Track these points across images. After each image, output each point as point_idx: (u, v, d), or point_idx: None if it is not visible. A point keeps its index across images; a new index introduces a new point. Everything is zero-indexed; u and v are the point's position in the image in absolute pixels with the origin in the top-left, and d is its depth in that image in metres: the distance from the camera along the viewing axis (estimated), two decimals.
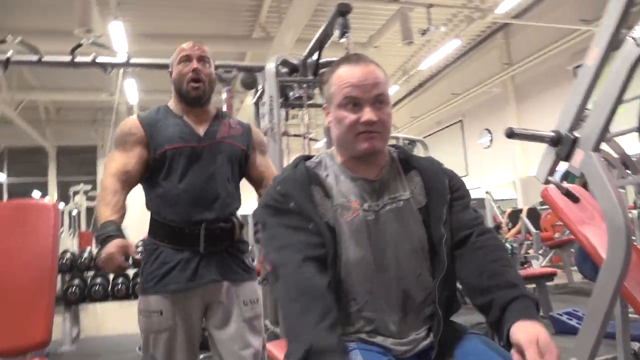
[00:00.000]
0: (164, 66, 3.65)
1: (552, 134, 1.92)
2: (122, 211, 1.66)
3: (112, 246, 1.50)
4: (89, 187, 10.66)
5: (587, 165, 1.78)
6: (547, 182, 2.00)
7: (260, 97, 3.86)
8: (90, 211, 11.34)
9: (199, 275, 1.75)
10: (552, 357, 0.98)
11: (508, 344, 1.04)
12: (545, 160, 1.96)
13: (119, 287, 4.72)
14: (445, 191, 1.29)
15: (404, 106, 14.35)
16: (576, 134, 1.85)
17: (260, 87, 3.84)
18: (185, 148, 1.80)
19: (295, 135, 4.74)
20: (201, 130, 1.86)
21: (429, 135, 14.49)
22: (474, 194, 11.32)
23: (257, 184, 2.00)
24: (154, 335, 1.73)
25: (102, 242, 1.53)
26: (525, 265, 7.27)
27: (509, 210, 8.95)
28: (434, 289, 1.20)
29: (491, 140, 13.05)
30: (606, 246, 2.24)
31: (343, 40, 3.11)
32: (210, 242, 1.78)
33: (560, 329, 3.94)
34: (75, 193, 10.51)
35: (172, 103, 1.92)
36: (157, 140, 1.79)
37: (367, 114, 1.18)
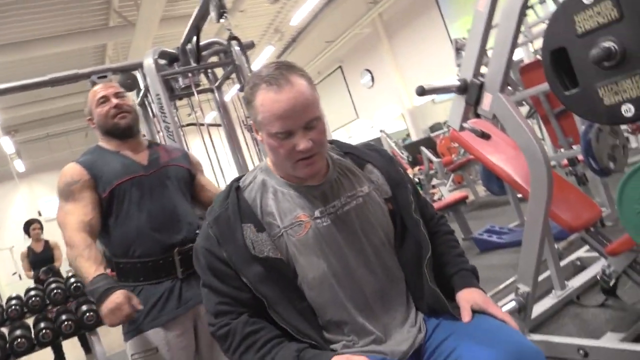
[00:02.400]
0: (36, 85, 3.34)
1: (459, 82, 1.97)
2: (103, 263, 1.56)
3: (120, 295, 1.44)
4: None
5: (497, 106, 1.85)
6: (462, 128, 2.07)
7: (145, 95, 3.61)
8: None
9: (184, 299, 1.73)
10: (492, 309, 1.15)
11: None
12: (456, 108, 2.03)
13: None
14: (403, 178, 1.28)
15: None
16: (481, 79, 1.91)
17: (142, 86, 3.58)
18: (134, 179, 1.74)
19: (190, 124, 4.54)
20: (143, 159, 1.82)
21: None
22: (368, 135, 11.54)
23: (206, 205, 1.96)
24: None
25: (101, 295, 1.45)
26: (434, 191, 7.70)
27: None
28: (419, 272, 1.19)
29: (373, 79, 13.40)
30: (518, 172, 2.39)
31: (222, 20, 2.95)
32: (186, 265, 1.74)
33: (483, 247, 4.23)
34: None
35: (102, 143, 1.84)
36: (103, 178, 1.71)
37: (302, 143, 1.09)
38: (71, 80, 3.42)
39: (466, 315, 1.14)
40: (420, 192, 1.39)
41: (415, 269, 1.20)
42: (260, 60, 11.28)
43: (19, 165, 12.36)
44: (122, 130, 1.80)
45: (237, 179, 1.26)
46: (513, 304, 2.03)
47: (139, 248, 1.71)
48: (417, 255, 1.20)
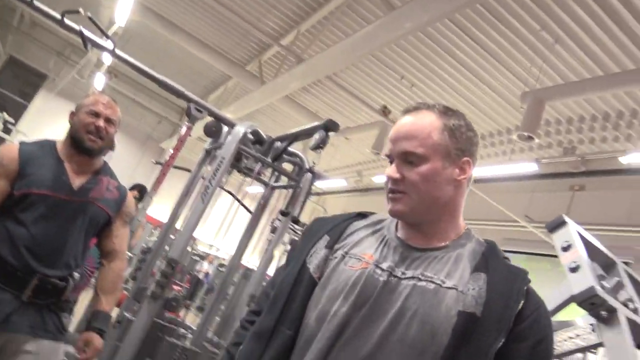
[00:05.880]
0: (146, 76, 3.59)
1: None
2: None
3: None
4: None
5: None
6: None
7: (216, 148, 3.79)
8: None
9: (10, 321, 1.68)
10: None
11: None
12: None
13: None
14: (506, 314, 0.98)
15: (346, 197, 14.51)
16: None
17: (222, 139, 3.77)
18: (51, 197, 1.75)
19: (229, 192, 4.67)
20: (77, 182, 1.83)
21: None
22: None
23: (105, 253, 1.98)
24: None
25: None
26: None
27: None
28: None
29: None
30: None
31: (314, 152, 3.14)
32: (37, 294, 1.72)
33: None
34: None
35: (60, 144, 1.88)
36: (27, 179, 1.73)
37: (389, 170, 1.08)
38: (175, 95, 3.67)
39: None
40: None
41: None
42: (327, 182, 11.60)
43: None
44: (84, 147, 1.84)
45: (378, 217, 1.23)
46: None
47: (9, 253, 1.69)
48: None
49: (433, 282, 1.02)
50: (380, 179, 10.60)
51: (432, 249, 1.08)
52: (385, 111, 8.49)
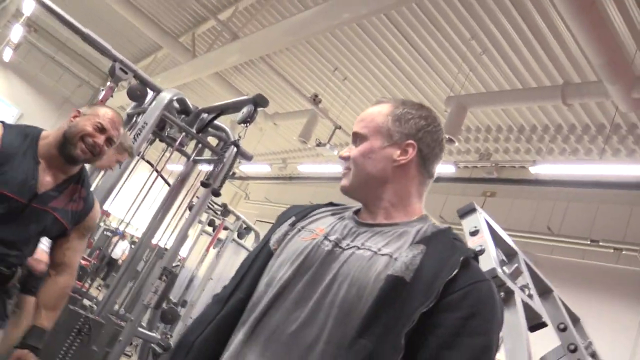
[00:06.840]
0: (72, 28, 3.36)
1: None
2: None
3: None
4: None
5: None
6: None
7: (139, 114, 3.63)
8: None
9: None
10: None
11: None
12: None
13: None
14: (436, 281, 0.97)
15: (268, 184, 14.46)
16: None
17: (145, 105, 3.62)
18: (13, 200, 1.67)
19: (148, 162, 4.50)
20: (44, 186, 1.74)
21: None
22: None
23: (54, 263, 1.89)
24: None
25: None
26: None
27: None
28: None
29: None
30: None
31: (241, 126, 3.08)
32: None
33: None
34: None
35: (45, 139, 1.78)
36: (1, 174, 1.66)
37: (344, 150, 1.21)
38: (99, 51, 3.47)
39: None
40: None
41: None
42: (251, 167, 11.48)
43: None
44: (69, 155, 1.75)
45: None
46: None
47: None
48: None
49: (370, 250, 1.08)
50: (304, 168, 10.64)
51: (379, 224, 1.15)
52: (315, 100, 8.51)
